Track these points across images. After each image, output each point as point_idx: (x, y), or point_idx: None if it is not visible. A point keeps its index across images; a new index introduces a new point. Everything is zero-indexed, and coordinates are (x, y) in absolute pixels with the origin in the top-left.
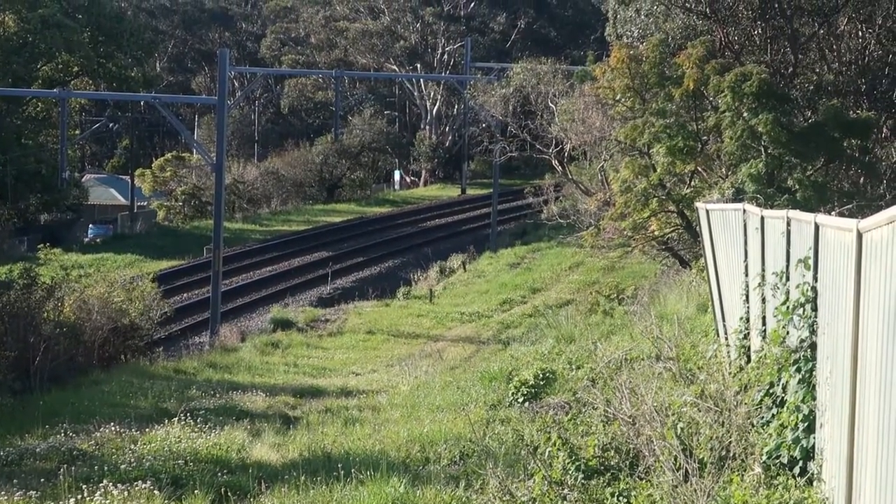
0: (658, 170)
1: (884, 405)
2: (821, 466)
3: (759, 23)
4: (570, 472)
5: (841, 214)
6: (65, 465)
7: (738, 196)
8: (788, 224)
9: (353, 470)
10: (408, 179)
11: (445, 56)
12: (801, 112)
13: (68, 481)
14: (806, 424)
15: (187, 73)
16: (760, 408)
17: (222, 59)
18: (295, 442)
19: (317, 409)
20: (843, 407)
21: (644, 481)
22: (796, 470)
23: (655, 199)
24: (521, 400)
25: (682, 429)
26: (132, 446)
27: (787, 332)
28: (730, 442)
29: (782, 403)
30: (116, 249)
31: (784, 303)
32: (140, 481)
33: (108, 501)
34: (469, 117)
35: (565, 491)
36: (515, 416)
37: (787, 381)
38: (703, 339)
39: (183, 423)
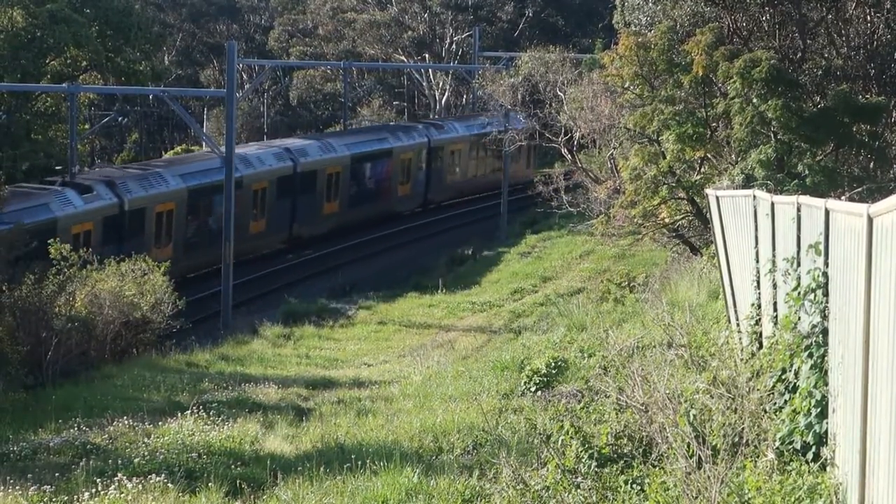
0: (667, 157)
1: None
2: (834, 451)
3: (767, 8)
4: (584, 460)
5: (851, 199)
6: (79, 460)
7: (748, 182)
8: (799, 209)
9: (366, 461)
10: None
11: (454, 46)
12: (810, 97)
13: (83, 476)
14: (818, 410)
15: (196, 66)
16: (773, 394)
17: (230, 52)
18: (308, 433)
19: (329, 401)
20: (855, 392)
21: (657, 468)
22: (809, 455)
23: (665, 186)
24: (533, 389)
25: (694, 416)
26: (145, 440)
27: (799, 318)
28: (742, 428)
29: (795, 389)
30: None
31: (795, 288)
32: (154, 474)
33: (122, 495)
34: (478, 107)
35: (579, 479)
36: (528, 405)
37: (799, 367)
38: (714, 326)
39: (196, 415)
